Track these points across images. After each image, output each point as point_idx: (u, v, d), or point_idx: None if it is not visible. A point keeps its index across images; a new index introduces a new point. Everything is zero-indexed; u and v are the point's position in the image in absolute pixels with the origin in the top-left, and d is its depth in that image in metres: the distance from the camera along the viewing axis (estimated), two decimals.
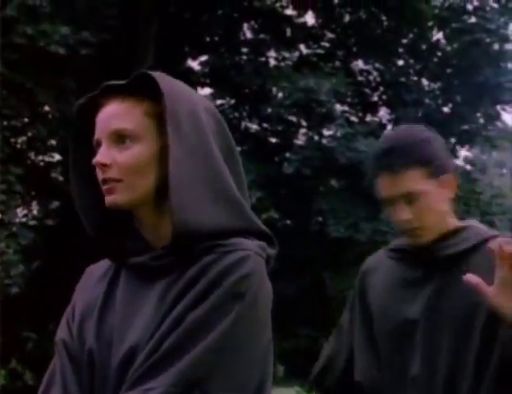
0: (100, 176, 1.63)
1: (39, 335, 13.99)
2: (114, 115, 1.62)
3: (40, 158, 14.23)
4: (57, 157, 14.46)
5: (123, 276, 1.67)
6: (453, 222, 2.30)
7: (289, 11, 14.81)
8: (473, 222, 2.36)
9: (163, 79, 1.62)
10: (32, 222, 14.27)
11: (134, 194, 1.62)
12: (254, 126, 14.68)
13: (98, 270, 1.76)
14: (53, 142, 13.81)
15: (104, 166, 1.61)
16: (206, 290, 1.52)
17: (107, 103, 1.64)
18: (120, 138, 1.62)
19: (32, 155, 13.87)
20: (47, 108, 11.87)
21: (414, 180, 2.22)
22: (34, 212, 15.08)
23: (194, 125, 1.60)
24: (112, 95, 1.65)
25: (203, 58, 14.42)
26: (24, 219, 13.86)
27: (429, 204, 2.24)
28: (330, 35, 14.90)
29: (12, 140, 11.96)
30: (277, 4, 14.89)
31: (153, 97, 1.63)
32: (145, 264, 1.62)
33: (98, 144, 1.64)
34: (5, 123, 10.89)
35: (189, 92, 1.65)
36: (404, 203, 2.24)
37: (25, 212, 14.46)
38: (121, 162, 1.61)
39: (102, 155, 1.61)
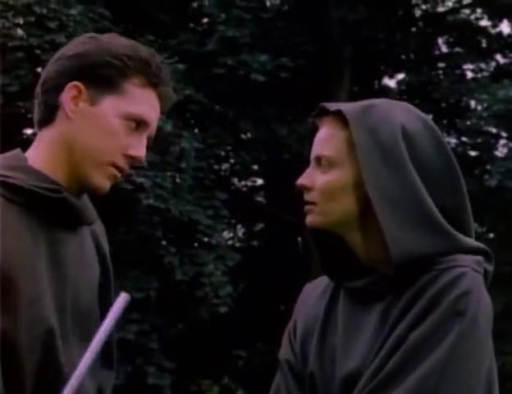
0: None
1: (249, 353, 14.39)
2: (319, 140, 1.68)
3: (243, 183, 14.72)
4: (260, 181, 14.91)
5: (342, 295, 1.68)
6: None
7: (483, 22, 14.61)
8: None
9: (351, 108, 1.65)
10: (238, 244, 14.75)
11: (327, 218, 1.66)
12: (453, 140, 14.53)
13: (317, 287, 1.77)
14: (256, 167, 14.26)
15: (304, 188, 1.67)
16: (425, 309, 1.53)
17: (321, 125, 1.70)
18: (321, 163, 1.67)
19: (235, 181, 14.38)
20: (249, 135, 12.29)
21: None
22: (240, 234, 15.57)
23: (387, 154, 1.61)
24: (324, 116, 1.70)
25: (400, 76, 14.45)
26: (230, 242, 14.29)
27: None
28: None
29: (216, 167, 12.46)
30: (472, 16, 14.71)
31: None
32: (364, 288, 1.64)
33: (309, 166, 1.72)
34: (209, 152, 11.37)
35: (382, 115, 1.65)
36: None
37: (231, 234, 14.94)
38: (317, 187, 1.66)
39: (304, 177, 1.68)
